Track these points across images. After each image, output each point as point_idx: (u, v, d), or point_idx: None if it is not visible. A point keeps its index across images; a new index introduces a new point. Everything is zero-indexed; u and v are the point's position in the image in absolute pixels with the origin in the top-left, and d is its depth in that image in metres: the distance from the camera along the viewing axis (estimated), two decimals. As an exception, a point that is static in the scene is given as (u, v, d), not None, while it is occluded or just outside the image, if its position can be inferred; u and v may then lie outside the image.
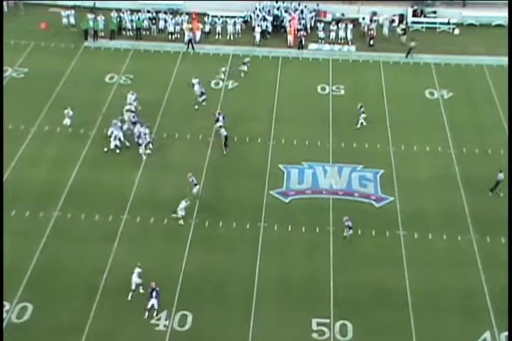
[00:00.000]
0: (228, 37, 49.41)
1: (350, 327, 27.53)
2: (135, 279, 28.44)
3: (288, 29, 49.21)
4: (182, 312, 27.85)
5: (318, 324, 27.65)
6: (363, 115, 39.15)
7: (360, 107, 39.31)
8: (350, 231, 31.56)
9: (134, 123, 37.49)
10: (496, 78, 44.30)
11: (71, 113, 38.18)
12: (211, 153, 37.15)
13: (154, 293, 27.43)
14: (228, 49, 47.90)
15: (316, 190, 35.09)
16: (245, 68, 44.45)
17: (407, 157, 37.30)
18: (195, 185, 33.60)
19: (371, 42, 48.26)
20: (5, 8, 50.79)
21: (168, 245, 31.23)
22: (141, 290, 28.50)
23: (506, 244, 31.41)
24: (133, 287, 28.47)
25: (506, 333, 27.06)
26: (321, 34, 49.08)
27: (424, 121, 40.34)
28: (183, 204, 32.25)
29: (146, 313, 27.59)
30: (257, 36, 48.58)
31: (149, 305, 27.53)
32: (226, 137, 36.92)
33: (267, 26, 49.40)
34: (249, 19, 50.73)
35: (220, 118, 37.97)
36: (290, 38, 48.76)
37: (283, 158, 37.00)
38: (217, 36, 49.40)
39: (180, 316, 27.68)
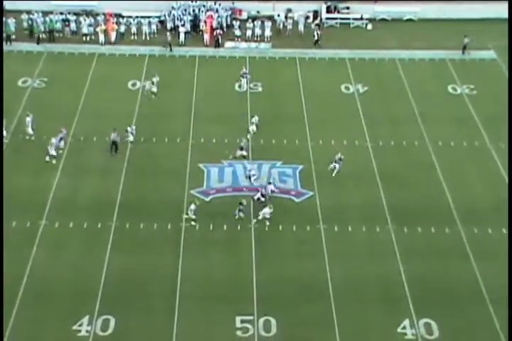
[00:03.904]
0: (144, 37, 49.04)
1: (273, 322, 27.70)
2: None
3: (204, 28, 49.22)
4: (104, 316, 27.49)
5: (242, 321, 27.72)
6: (338, 165, 35.76)
7: (340, 159, 35.70)
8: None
9: None
10: (408, 72, 45.36)
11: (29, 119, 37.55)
12: (130, 154, 36.85)
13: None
14: (144, 49, 47.58)
15: (237, 188, 35.22)
16: (154, 89, 42.04)
17: (325, 152, 37.68)
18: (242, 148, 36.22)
19: (318, 42, 48.62)
20: None
21: (88, 249, 30.82)
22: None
23: (423, 233, 32.23)
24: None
25: (424, 320, 27.79)
26: (237, 32, 49.27)
27: (340, 116, 40.99)
28: (192, 207, 32.32)
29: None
30: (182, 36, 48.43)
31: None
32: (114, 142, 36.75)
33: (185, 25, 49.29)
34: (164, 19, 50.43)
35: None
36: (206, 36, 48.77)
37: (203, 156, 36.98)
38: (132, 37, 48.97)
39: (103, 321, 27.32)
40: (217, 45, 48.24)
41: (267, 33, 49.50)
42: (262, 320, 27.79)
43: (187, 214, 32.59)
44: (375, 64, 46.71)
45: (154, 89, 41.92)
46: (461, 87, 43.89)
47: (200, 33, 49.32)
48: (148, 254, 30.69)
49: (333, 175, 35.28)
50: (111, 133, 36.60)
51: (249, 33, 49.46)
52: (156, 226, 32.30)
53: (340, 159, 35.44)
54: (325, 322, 27.86)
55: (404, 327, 27.61)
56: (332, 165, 35.58)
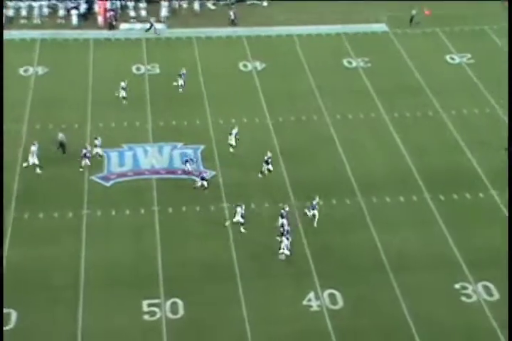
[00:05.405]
0: (35, 21, 47.55)
1: (181, 304, 27.68)
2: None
3: (97, 10, 48.13)
4: (5, 310, 26.69)
5: (149, 305, 27.56)
6: (316, 211, 31.87)
7: (317, 203, 31.93)
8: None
9: None
10: (304, 47, 45.73)
11: None
12: (26, 144, 35.79)
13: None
14: (36, 33, 46.19)
15: (138, 172, 34.83)
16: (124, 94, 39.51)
17: (226, 131, 37.59)
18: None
19: (234, 21, 48.17)
20: None
21: (-14, 243, 29.95)
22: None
23: (324, 205, 32.67)
24: None
25: (329, 291, 28.28)
26: (132, 13, 48.44)
27: (240, 94, 41.01)
28: (238, 210, 31.02)
29: None
30: (74, 19, 47.26)
31: None
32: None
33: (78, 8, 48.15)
34: (56, 2, 49.05)
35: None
36: (100, 18, 47.73)
37: (102, 141, 36.28)
38: (22, 21, 47.39)
39: (4, 315, 26.59)
40: (111, 27, 47.25)
41: (163, 13, 48.83)
42: (169, 303, 27.70)
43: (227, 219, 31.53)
44: (272, 40, 46.84)
45: (123, 93, 39.42)
46: (355, 60, 44.58)
47: (93, 15, 48.22)
48: (49, 244, 30.08)
49: (315, 224, 31.65)
50: (58, 133, 35.37)
51: (144, 13, 48.67)
52: (57, 215, 31.67)
53: (317, 203, 31.77)
54: (232, 300, 27.99)
55: (309, 300, 28.05)
56: (310, 213, 31.84)
